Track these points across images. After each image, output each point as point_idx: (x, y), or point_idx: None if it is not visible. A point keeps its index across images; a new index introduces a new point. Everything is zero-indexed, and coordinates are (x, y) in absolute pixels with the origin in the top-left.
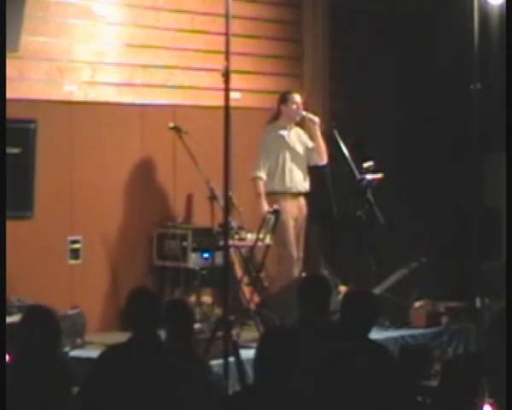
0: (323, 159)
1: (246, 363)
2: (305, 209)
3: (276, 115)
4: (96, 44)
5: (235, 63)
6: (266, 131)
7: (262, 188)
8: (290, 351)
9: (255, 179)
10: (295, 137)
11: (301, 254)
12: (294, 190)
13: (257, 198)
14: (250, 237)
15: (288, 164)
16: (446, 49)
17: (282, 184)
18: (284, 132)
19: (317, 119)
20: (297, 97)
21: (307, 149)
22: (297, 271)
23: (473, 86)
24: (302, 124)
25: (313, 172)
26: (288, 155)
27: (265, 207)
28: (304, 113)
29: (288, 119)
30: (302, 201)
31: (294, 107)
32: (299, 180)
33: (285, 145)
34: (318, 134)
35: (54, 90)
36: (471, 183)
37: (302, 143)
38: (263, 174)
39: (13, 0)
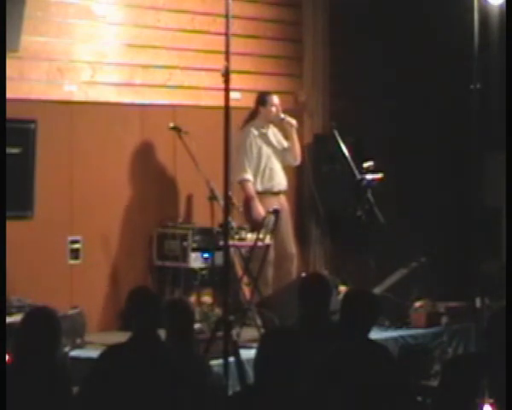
0: (297, 159)
1: (246, 363)
2: (286, 206)
3: (253, 115)
4: (95, 44)
5: (235, 63)
6: (246, 131)
7: (252, 190)
8: (290, 351)
9: (243, 182)
10: (273, 137)
11: (294, 250)
12: (275, 189)
13: (249, 201)
14: (250, 237)
15: (270, 163)
16: (446, 49)
17: (263, 183)
18: (265, 131)
19: (294, 122)
20: (275, 99)
21: (283, 149)
22: (291, 266)
23: (473, 86)
24: (278, 124)
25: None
26: (270, 154)
27: (261, 209)
28: (282, 115)
29: (266, 120)
30: (283, 198)
31: (273, 109)
32: (280, 179)
33: (267, 144)
34: (295, 136)
35: (54, 90)
36: (471, 183)
37: (278, 142)
38: (250, 176)
39: (13, 0)
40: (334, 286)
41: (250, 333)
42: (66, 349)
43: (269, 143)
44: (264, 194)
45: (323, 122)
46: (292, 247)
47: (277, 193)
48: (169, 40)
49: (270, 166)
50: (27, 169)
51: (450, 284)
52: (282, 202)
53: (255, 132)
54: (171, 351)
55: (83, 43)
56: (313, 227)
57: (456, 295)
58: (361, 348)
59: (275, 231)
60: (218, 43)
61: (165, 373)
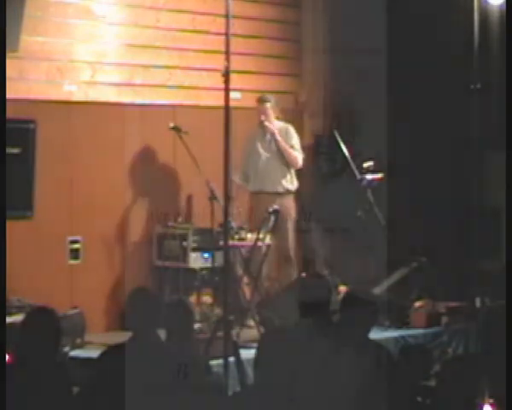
0: (294, 165)
1: (246, 363)
2: (287, 208)
3: None
4: (96, 44)
5: (236, 63)
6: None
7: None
8: (290, 351)
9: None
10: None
11: (290, 253)
12: (270, 189)
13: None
14: (250, 237)
15: (263, 164)
16: (446, 49)
17: (256, 183)
18: (256, 135)
19: (273, 129)
20: (261, 102)
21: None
22: (290, 269)
23: (473, 86)
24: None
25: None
26: (266, 155)
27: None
28: (263, 118)
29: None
30: (282, 200)
31: (260, 113)
32: (276, 180)
33: (257, 147)
34: (282, 144)
35: (54, 90)
36: (471, 183)
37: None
38: (236, 178)
39: (13, 0)
40: (334, 286)
41: (250, 333)
42: (66, 349)
43: (259, 146)
44: (259, 194)
45: (323, 122)
46: (288, 250)
47: (273, 193)
48: (169, 40)
49: (262, 167)
50: (27, 169)
51: (450, 284)
52: (280, 203)
53: (254, 134)
54: (171, 351)
55: (83, 43)
56: (313, 227)
57: (456, 295)
58: (361, 348)
59: (275, 231)
60: (218, 43)
61: (165, 373)
